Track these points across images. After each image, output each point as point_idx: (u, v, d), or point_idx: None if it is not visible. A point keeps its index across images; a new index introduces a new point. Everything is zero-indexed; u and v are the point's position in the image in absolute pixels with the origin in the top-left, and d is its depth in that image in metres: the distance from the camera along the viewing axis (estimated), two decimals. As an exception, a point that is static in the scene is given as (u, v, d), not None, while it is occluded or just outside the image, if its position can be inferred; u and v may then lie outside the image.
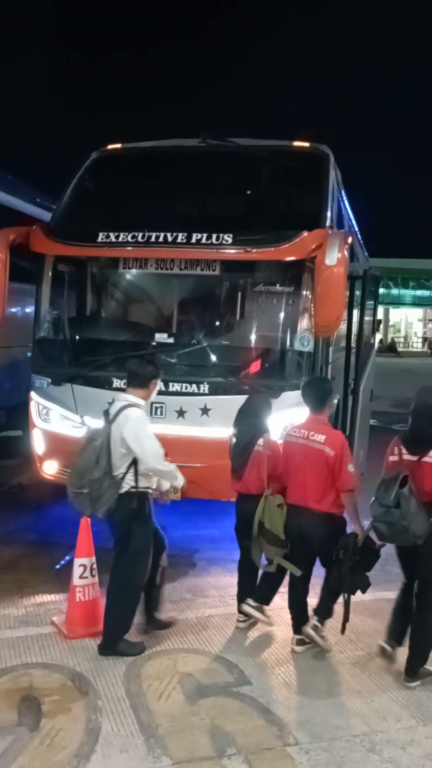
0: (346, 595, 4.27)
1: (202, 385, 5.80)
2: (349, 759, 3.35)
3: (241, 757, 3.32)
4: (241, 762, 3.29)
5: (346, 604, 4.27)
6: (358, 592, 4.25)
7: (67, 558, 5.64)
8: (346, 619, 4.28)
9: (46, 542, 6.19)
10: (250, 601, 4.65)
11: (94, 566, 4.56)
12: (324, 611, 4.48)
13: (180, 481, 4.53)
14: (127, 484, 4.19)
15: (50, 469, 6.33)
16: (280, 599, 5.13)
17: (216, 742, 3.42)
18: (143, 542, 4.30)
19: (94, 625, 4.49)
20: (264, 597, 4.70)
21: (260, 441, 4.72)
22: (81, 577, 4.50)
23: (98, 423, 5.83)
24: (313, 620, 4.45)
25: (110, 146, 7.15)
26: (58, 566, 5.65)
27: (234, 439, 4.91)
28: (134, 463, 4.18)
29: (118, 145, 7.16)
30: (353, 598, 4.53)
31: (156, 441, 4.27)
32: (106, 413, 4.30)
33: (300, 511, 4.36)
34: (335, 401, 4.82)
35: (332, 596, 4.43)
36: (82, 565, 4.52)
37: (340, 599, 4.35)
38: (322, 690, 3.95)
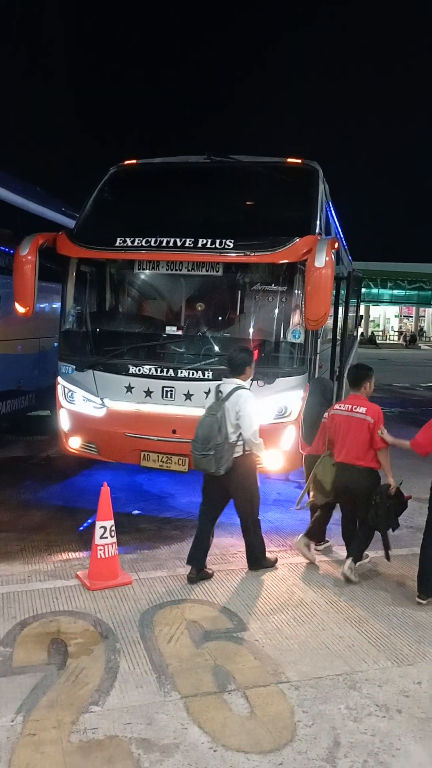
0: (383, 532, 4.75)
1: (206, 372, 5.80)
2: (333, 695, 3.38)
3: (239, 693, 3.35)
4: (239, 697, 3.32)
5: (385, 539, 4.74)
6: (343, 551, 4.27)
7: (89, 521, 5.66)
8: (387, 548, 4.74)
9: (71, 508, 6.22)
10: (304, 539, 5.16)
11: (113, 528, 4.57)
12: (357, 553, 4.86)
13: (263, 453, 5.02)
14: (240, 448, 4.70)
15: (74, 443, 6.35)
16: (275, 558, 5.19)
17: (218, 680, 3.45)
18: (254, 488, 4.91)
19: (113, 578, 4.53)
20: (314, 534, 5.25)
21: (325, 414, 5.11)
22: (101, 537, 4.51)
23: (117, 403, 5.94)
24: (348, 562, 4.81)
25: (126, 162, 7.12)
26: (81, 528, 5.67)
27: (304, 414, 5.40)
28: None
29: (134, 161, 7.14)
30: (338, 557, 4.57)
31: (256, 419, 4.69)
32: (219, 392, 4.75)
33: (346, 468, 4.83)
34: (372, 384, 5.08)
35: (368, 535, 4.84)
36: (103, 527, 4.53)
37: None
38: (310, 636, 3.97)
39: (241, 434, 4.65)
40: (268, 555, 5.07)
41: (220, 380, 5.56)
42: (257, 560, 4.96)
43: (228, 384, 4.79)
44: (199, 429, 4.62)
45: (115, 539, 4.58)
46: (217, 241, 5.64)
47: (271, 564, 5.01)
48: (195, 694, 3.32)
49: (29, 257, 5.83)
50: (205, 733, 3.04)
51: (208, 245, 5.65)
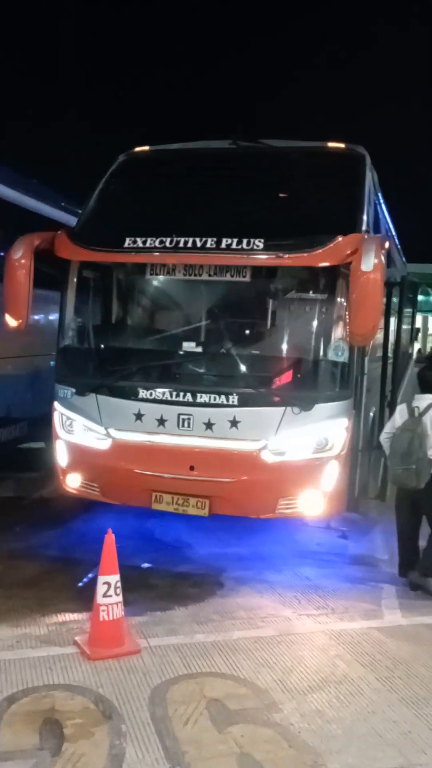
0: None
1: (231, 396, 5.80)
2: (385, 793, 3.31)
3: (271, 789, 3.29)
4: (271, 794, 3.27)
5: None
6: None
7: (90, 575, 5.65)
8: None
9: (69, 558, 6.21)
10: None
11: (119, 584, 4.56)
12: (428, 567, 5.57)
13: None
14: None
15: (73, 482, 6.38)
16: (312, 622, 5.14)
17: (245, 772, 3.40)
18: None
19: (118, 646, 4.49)
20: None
21: None
22: (105, 595, 4.49)
23: (124, 434, 5.96)
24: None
25: (137, 149, 7.23)
26: (81, 584, 5.66)
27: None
28: None
29: (146, 148, 7.25)
30: (391, 623, 4.53)
31: None
32: (414, 408, 5.62)
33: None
34: None
35: None
36: (106, 583, 4.51)
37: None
38: (357, 719, 3.89)
39: None
40: (305, 618, 5.03)
41: (247, 406, 5.66)
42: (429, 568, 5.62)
43: (423, 400, 5.66)
44: (396, 445, 5.50)
45: (120, 598, 4.56)
46: (245, 240, 5.67)
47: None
48: (217, 789, 3.27)
49: (23, 261, 5.92)
50: None
51: (234, 246, 5.69)
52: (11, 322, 6.04)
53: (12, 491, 8.42)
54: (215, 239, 5.73)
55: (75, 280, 6.52)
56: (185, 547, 6.66)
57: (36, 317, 7.68)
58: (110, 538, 4.62)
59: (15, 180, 8.82)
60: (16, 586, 5.60)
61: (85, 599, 5.21)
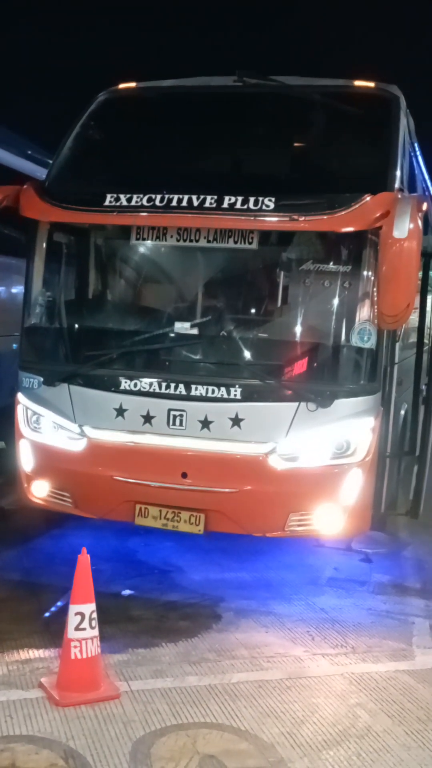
0: None
1: (232, 389, 5.80)
2: None
3: None
4: None
5: None
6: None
7: (59, 603, 5.66)
8: None
9: (34, 583, 6.22)
10: None
11: (94, 615, 4.56)
12: None
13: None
14: None
15: (40, 491, 6.39)
16: (328, 663, 5.15)
17: None
18: None
19: (93, 689, 4.50)
20: None
21: None
22: (77, 628, 4.49)
23: (102, 433, 5.97)
24: None
25: (122, 85, 7.19)
26: (48, 614, 5.67)
27: None
28: None
29: (132, 84, 7.21)
30: (424, 666, 4.53)
31: None
32: None
33: None
34: None
35: None
36: (79, 614, 4.51)
37: None
38: (382, 781, 3.91)
39: None
40: (320, 658, 5.04)
41: (252, 401, 5.65)
42: None
43: None
44: None
45: (96, 632, 4.57)
46: (252, 199, 5.67)
47: None
48: None
49: None
50: None
51: (239, 205, 5.68)
52: None
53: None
54: (215, 197, 5.73)
55: (44, 245, 6.50)
56: (175, 571, 6.68)
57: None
58: (84, 559, 4.62)
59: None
60: (-30, 615, 5.61)
61: (53, 633, 5.23)
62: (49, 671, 4.75)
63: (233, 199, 5.69)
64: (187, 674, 4.89)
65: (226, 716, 4.42)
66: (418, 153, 7.74)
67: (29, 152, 9.93)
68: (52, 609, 5.70)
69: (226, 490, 5.84)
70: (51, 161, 7.04)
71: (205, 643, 5.38)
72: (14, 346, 7.13)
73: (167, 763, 3.94)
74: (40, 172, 9.08)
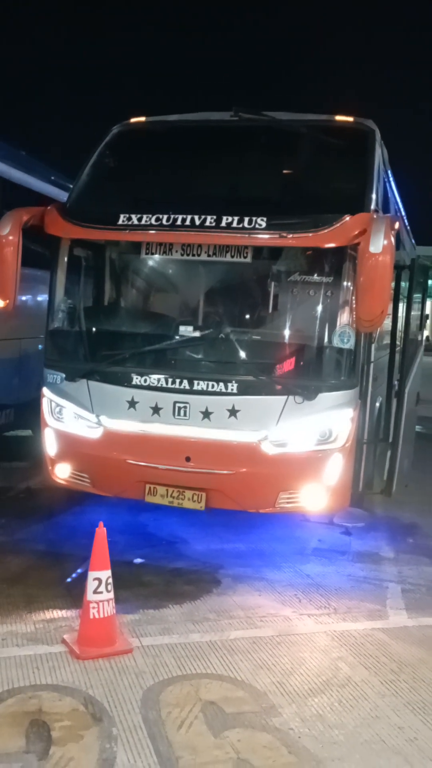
0: None
1: (230, 384, 5.80)
2: (390, 802, 3.32)
3: (269, 796, 3.30)
4: (269, 801, 3.27)
5: None
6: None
7: (79, 571, 5.65)
8: None
9: (57, 553, 6.21)
10: None
11: (110, 580, 4.56)
12: None
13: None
14: None
15: (62, 472, 6.38)
16: (313, 622, 5.15)
17: (242, 779, 3.41)
18: None
19: (109, 645, 4.51)
20: None
21: None
22: (95, 591, 4.49)
23: (116, 422, 5.97)
24: None
25: (133, 120, 7.18)
26: (69, 580, 5.65)
27: None
28: None
29: (142, 119, 7.20)
30: (396, 624, 4.53)
31: None
32: None
33: None
34: None
35: None
36: (97, 579, 4.51)
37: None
38: (360, 724, 3.91)
39: None
40: (306, 618, 5.04)
41: (247, 395, 5.66)
42: None
43: None
44: None
45: (112, 595, 4.57)
46: (246, 219, 5.64)
47: None
48: (212, 796, 3.28)
49: (10, 238, 5.89)
50: None
51: (235, 224, 5.66)
52: None
53: (-3, 481, 8.42)
54: (215, 217, 5.70)
55: (66, 258, 6.49)
56: (180, 542, 6.67)
57: (23, 298, 7.65)
58: (101, 532, 4.62)
59: (2, 152, 8.76)
60: (1, 582, 5.59)
61: (74, 596, 5.22)
62: (71, 629, 4.75)
63: (230, 218, 5.67)
64: (191, 632, 4.90)
65: (225, 668, 4.42)
66: (391, 178, 7.72)
67: (52, 177, 9.91)
68: (73, 575, 5.69)
69: (224, 471, 5.83)
70: (71, 185, 7.03)
71: (207, 605, 5.38)
72: (39, 347, 7.11)
73: (173, 709, 3.94)
74: (62, 195, 9.09)
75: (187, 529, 6.90)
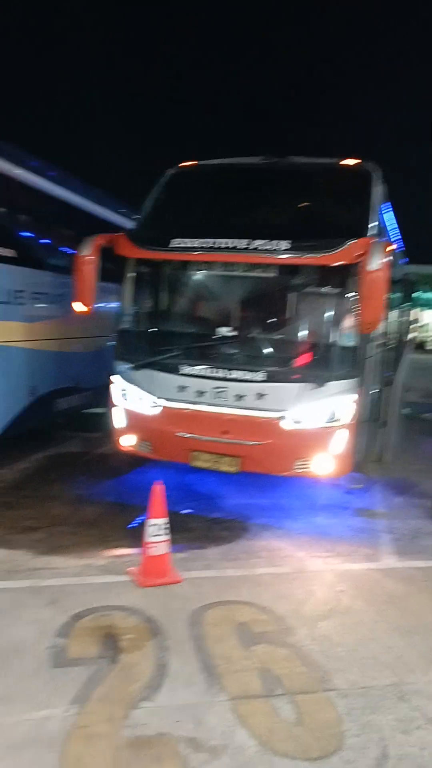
0: None
1: (258, 373, 5.81)
2: (381, 705, 3.34)
3: (287, 698, 3.34)
4: (287, 702, 3.31)
5: None
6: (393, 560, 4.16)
7: (140, 518, 5.69)
8: None
9: (123, 504, 6.28)
10: None
11: (166, 525, 4.60)
12: None
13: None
14: None
15: (127, 441, 6.44)
16: (321, 562, 5.16)
17: (266, 684, 3.45)
18: None
19: (162, 576, 4.57)
20: None
21: None
22: (154, 534, 4.56)
23: (169, 402, 6.00)
24: None
25: (183, 164, 7.17)
26: (131, 525, 5.71)
27: None
28: None
29: (190, 163, 7.18)
30: (387, 566, 4.51)
31: None
32: None
33: None
34: None
35: None
36: (156, 525, 4.57)
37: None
38: (359, 644, 3.92)
39: None
40: (316, 558, 5.05)
41: (272, 382, 5.62)
42: None
43: None
44: None
45: (168, 537, 4.62)
46: (272, 242, 5.62)
47: None
48: (243, 696, 3.34)
49: (91, 257, 5.95)
50: (252, 737, 3.04)
51: (262, 247, 5.64)
52: (80, 308, 6.08)
53: (77, 448, 8.53)
54: (247, 241, 5.71)
55: (132, 274, 6.51)
56: (218, 498, 6.70)
57: (97, 304, 7.72)
58: (160, 488, 4.66)
59: (83, 190, 8.81)
60: (81, 525, 5.70)
61: (136, 537, 5.25)
62: (134, 563, 4.81)
63: (260, 242, 5.67)
64: (226, 567, 4.94)
65: (253, 597, 4.46)
66: (389, 209, 7.60)
67: (121, 210, 9.92)
68: (136, 521, 5.74)
69: (253, 443, 5.84)
70: (134, 215, 7.05)
71: (239, 547, 5.41)
72: (109, 343, 7.17)
73: (213, 627, 4.00)
74: (125, 223, 9.12)
75: (223, 488, 6.93)
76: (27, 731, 3.01)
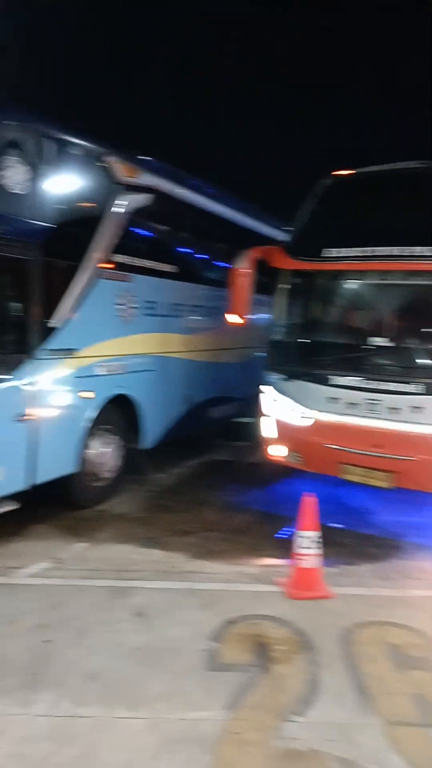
0: None
1: (414, 385, 5.58)
2: None
3: (446, 730, 3.17)
4: (446, 734, 3.14)
5: None
6: None
7: (290, 528, 5.68)
8: None
9: (272, 513, 6.32)
10: None
11: (318, 539, 4.55)
12: None
13: None
14: None
15: (276, 452, 6.47)
16: None
17: (422, 712, 3.29)
18: None
19: (313, 590, 4.53)
20: None
21: None
22: (306, 547, 4.52)
23: (320, 414, 5.95)
24: None
25: (337, 172, 7.10)
26: (284, 535, 5.67)
27: None
28: None
29: (346, 172, 7.08)
30: None
31: None
32: None
33: None
34: None
35: None
36: (308, 537, 4.54)
37: None
38: None
39: None
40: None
41: (429, 395, 5.33)
42: None
43: None
44: None
45: (319, 551, 4.57)
46: (428, 249, 5.40)
47: None
48: (398, 722, 3.21)
49: (247, 270, 6.10)
50: (410, 765, 2.92)
51: (417, 254, 5.45)
52: (236, 320, 6.24)
53: (228, 456, 8.75)
54: (400, 248, 5.58)
55: (286, 285, 6.56)
56: (369, 513, 6.53)
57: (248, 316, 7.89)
58: (313, 500, 4.61)
59: (237, 205, 9.07)
60: (231, 531, 5.82)
61: (285, 548, 5.25)
62: (285, 574, 4.79)
63: (418, 249, 5.49)
64: (378, 586, 4.80)
65: (407, 619, 4.28)
66: None
67: (276, 225, 10.03)
68: (285, 531, 5.72)
69: (407, 458, 5.63)
70: (285, 227, 7.11)
71: (391, 566, 5.24)
72: (258, 354, 7.28)
73: (365, 647, 3.90)
74: (276, 235, 9.22)
75: (376, 503, 6.73)
76: (183, 730, 3.13)
